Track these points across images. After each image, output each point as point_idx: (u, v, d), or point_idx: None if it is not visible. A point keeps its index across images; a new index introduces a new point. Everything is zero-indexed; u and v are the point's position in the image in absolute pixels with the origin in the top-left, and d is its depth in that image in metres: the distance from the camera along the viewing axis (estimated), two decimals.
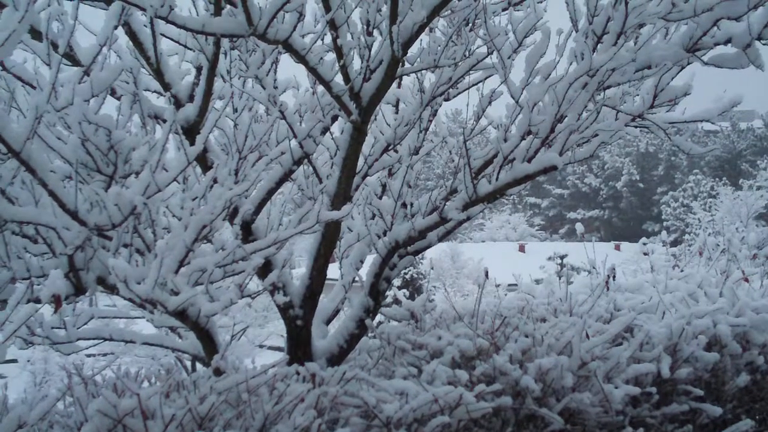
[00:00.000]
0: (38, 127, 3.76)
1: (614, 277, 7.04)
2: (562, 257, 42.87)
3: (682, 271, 8.49)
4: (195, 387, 4.20)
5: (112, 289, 4.40)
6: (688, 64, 5.51)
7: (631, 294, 7.27)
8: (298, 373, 4.60)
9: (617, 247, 53.50)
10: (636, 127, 5.83)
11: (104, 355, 19.12)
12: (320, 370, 4.56)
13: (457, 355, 5.39)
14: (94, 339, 5.23)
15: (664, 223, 75.14)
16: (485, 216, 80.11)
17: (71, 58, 5.13)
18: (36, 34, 4.88)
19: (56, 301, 3.70)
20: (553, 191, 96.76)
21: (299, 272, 6.24)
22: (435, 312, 6.39)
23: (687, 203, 68.43)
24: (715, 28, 5.13)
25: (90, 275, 4.31)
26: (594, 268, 7.92)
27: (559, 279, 7.42)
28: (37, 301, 3.87)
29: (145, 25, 5.46)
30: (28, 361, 26.92)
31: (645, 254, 10.14)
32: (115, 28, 4.23)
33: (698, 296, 7.20)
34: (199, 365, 6.08)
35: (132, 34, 5.46)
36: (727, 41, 5.13)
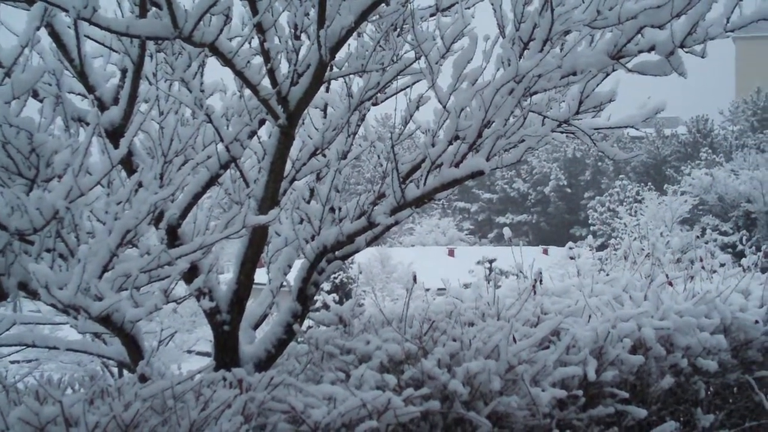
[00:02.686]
0: None
1: (541, 281, 7.11)
2: (490, 261, 43.24)
3: (607, 275, 8.59)
4: (120, 394, 4.15)
5: (34, 295, 4.32)
6: (614, 70, 5.59)
7: (557, 298, 7.33)
8: (224, 379, 4.56)
9: (545, 252, 54.00)
10: (562, 132, 5.90)
11: (28, 361, 18.80)
12: (247, 375, 4.54)
13: (386, 360, 5.40)
14: (17, 345, 5.14)
15: (591, 228, 75.99)
16: (415, 220, 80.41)
17: None
18: None
19: None
20: (482, 196, 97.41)
21: (227, 277, 6.19)
22: (364, 316, 6.39)
23: (613, 208, 69.24)
24: (639, 35, 5.21)
25: (11, 280, 4.24)
26: (521, 272, 7.98)
27: (488, 283, 7.46)
28: None
29: (68, 27, 5.37)
30: None
31: (572, 258, 10.26)
32: (38, 29, 4.15)
33: (623, 300, 7.30)
34: (125, 371, 6.01)
35: (55, 36, 5.37)
36: (651, 49, 5.22)
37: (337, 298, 33.14)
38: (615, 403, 6.02)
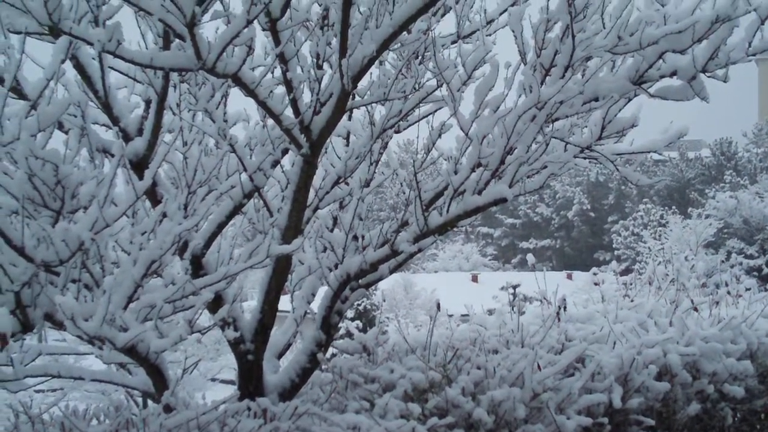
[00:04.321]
0: None
1: (565, 307, 7.09)
2: (514, 287, 43.04)
3: (632, 300, 8.56)
4: (145, 425, 4.15)
5: (59, 326, 4.34)
6: (635, 96, 5.58)
7: (582, 324, 7.30)
8: (249, 409, 4.56)
9: (569, 276, 53.83)
10: (585, 158, 5.89)
11: (53, 390, 18.82)
12: (272, 405, 4.54)
13: (410, 388, 5.39)
14: (42, 376, 5.15)
15: (615, 252, 75.72)
16: (438, 246, 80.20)
17: (18, 92, 5.08)
18: None
19: (2, 339, 3.65)
20: (505, 221, 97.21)
21: (250, 305, 6.19)
22: (387, 344, 6.38)
23: (637, 232, 69.00)
24: (661, 61, 5.21)
25: (37, 312, 4.26)
26: (545, 298, 7.95)
27: (512, 309, 7.44)
28: None
29: (93, 59, 5.41)
30: None
31: (596, 284, 10.21)
32: (63, 62, 4.18)
33: (648, 326, 7.26)
34: (150, 401, 6.01)
35: (80, 68, 5.41)
36: (673, 74, 5.22)
37: (360, 325, 33.07)
38: (641, 430, 5.98)
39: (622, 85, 5.35)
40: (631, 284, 10.54)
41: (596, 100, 5.45)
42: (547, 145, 5.51)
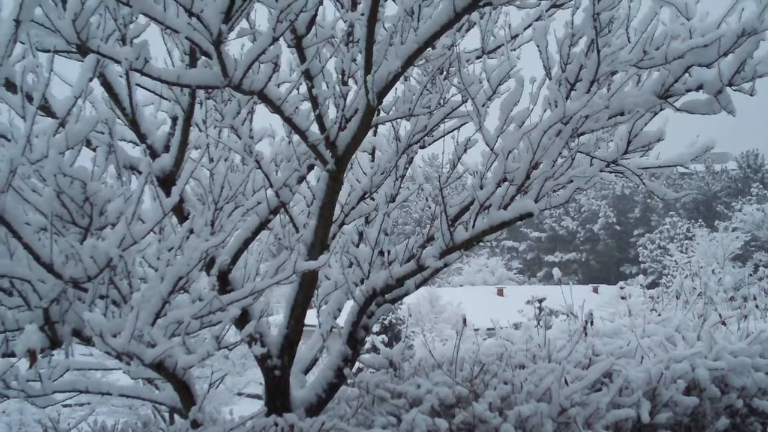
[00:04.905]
0: (13, 180, 3.75)
1: (592, 321, 7.06)
2: (540, 301, 42.87)
3: (659, 314, 8.51)
4: None
5: (87, 341, 4.36)
6: (661, 110, 5.56)
7: (609, 339, 7.27)
8: (276, 425, 4.57)
9: (595, 290, 53.56)
10: (611, 172, 5.87)
11: (81, 405, 18.87)
12: (299, 420, 4.54)
13: (437, 404, 5.38)
14: (71, 392, 5.18)
15: (641, 266, 75.41)
16: (463, 260, 79.98)
17: (46, 110, 5.12)
18: (10, 86, 4.86)
19: (31, 356, 3.67)
20: (530, 234, 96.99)
21: (276, 319, 6.21)
22: (414, 359, 6.38)
23: (663, 245, 68.69)
24: (687, 74, 5.19)
25: (66, 328, 4.28)
26: (572, 313, 7.93)
27: (538, 323, 7.42)
28: (12, 355, 3.83)
29: (120, 76, 5.45)
30: (3, 412, 26.54)
31: (623, 298, 10.17)
32: (90, 80, 4.22)
33: (676, 340, 7.22)
34: (177, 416, 6.03)
35: (107, 86, 5.45)
36: (699, 87, 5.20)
37: (386, 339, 33.04)
38: None
39: (647, 100, 5.34)
40: (658, 298, 10.49)
41: (622, 114, 5.43)
42: (573, 159, 5.50)
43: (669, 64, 5.15)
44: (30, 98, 4.49)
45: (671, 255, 53.61)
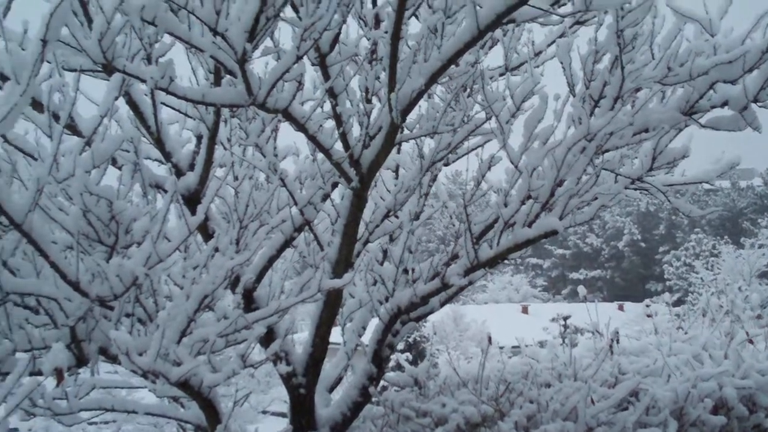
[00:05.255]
0: (40, 199, 3.77)
1: (618, 339, 7.02)
2: (565, 318, 42.72)
3: (686, 332, 8.46)
4: None
5: (114, 360, 4.38)
6: (686, 126, 5.54)
7: (635, 357, 7.23)
8: None
9: (620, 308, 53.24)
10: (635, 189, 5.85)
11: (106, 423, 18.88)
12: None
13: (462, 422, 5.36)
14: (96, 410, 5.19)
15: (667, 283, 74.95)
16: (487, 278, 79.83)
17: (72, 128, 5.15)
18: (37, 105, 4.90)
19: (59, 374, 3.68)
20: (554, 252, 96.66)
21: (301, 337, 6.21)
22: (439, 378, 6.36)
23: (689, 262, 68.20)
24: (712, 91, 5.17)
25: (92, 346, 4.30)
26: (597, 330, 7.89)
27: (563, 341, 7.39)
28: (39, 373, 3.85)
29: (145, 95, 5.48)
30: (29, 430, 26.59)
31: (648, 316, 10.12)
32: (116, 99, 4.24)
33: (703, 358, 7.17)
34: None
35: (133, 104, 5.48)
36: (724, 104, 5.17)
37: (410, 357, 32.97)
38: None
39: (672, 116, 5.32)
40: (684, 316, 10.43)
41: (646, 131, 5.41)
42: (598, 176, 5.48)
43: (693, 80, 5.13)
44: (56, 117, 4.53)
45: (697, 272, 53.20)
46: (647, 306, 10.59)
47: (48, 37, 3.35)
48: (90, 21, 4.58)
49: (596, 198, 5.69)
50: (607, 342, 6.95)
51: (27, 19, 4.63)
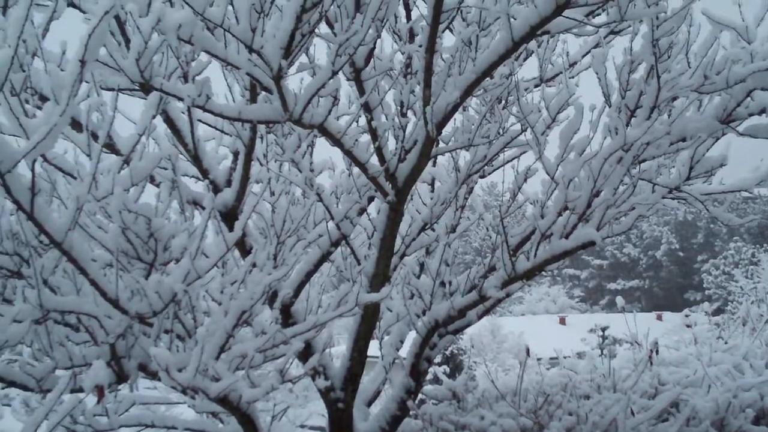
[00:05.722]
0: (79, 217, 3.80)
1: (657, 350, 6.97)
2: (603, 329, 42.43)
3: (726, 342, 8.38)
4: None
5: (153, 376, 4.40)
6: (723, 134, 5.50)
7: (675, 368, 7.17)
8: None
9: (659, 318, 52.80)
10: (673, 199, 5.81)
11: None
12: None
13: None
14: (136, 426, 5.22)
15: (706, 292, 74.27)
16: (524, 289, 79.42)
17: (111, 147, 5.19)
18: (76, 125, 4.94)
19: (99, 391, 3.71)
20: (592, 262, 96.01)
21: (338, 350, 6.22)
22: (477, 391, 6.34)
23: (728, 271, 67.62)
24: (749, 98, 5.14)
25: (132, 363, 4.32)
26: (636, 342, 7.83)
27: (602, 352, 7.34)
28: (80, 390, 3.87)
29: (182, 112, 5.51)
30: None
31: (688, 326, 10.04)
32: (153, 117, 4.27)
33: (744, 368, 7.10)
34: None
35: (170, 122, 5.52)
36: (762, 111, 5.14)
37: (447, 369, 32.88)
38: None
39: (709, 125, 5.29)
40: (723, 325, 10.33)
41: (683, 140, 5.39)
42: (635, 187, 5.46)
43: (730, 88, 5.10)
44: (95, 136, 4.58)
45: (736, 281, 52.69)
46: (686, 316, 10.52)
47: (86, 58, 3.38)
48: (127, 41, 4.62)
49: (633, 208, 5.66)
50: (646, 353, 6.90)
51: (65, 39, 4.69)
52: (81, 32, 3.45)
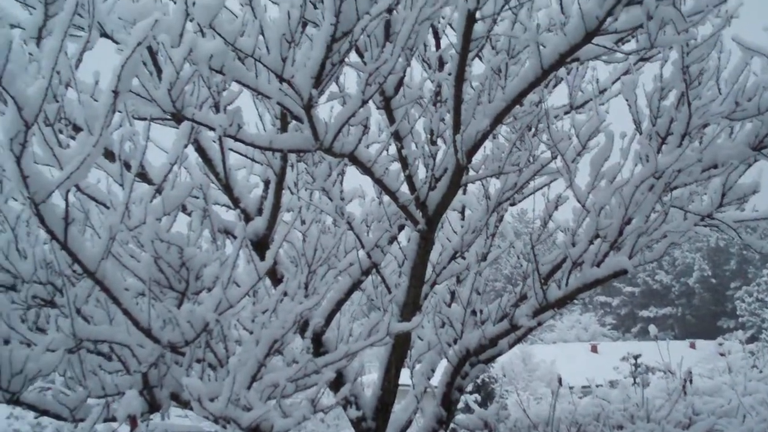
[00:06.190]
0: (112, 247, 3.82)
1: (691, 379, 6.91)
2: (636, 357, 42.09)
3: (761, 371, 8.29)
4: None
5: (185, 405, 4.40)
6: (755, 161, 5.46)
7: (709, 397, 7.10)
8: None
9: (692, 345, 52.28)
10: (705, 226, 5.77)
11: None
12: None
13: None
14: None
15: (740, 320, 73.58)
16: (555, 317, 78.92)
17: (143, 176, 5.21)
18: (109, 154, 4.97)
19: (132, 421, 3.71)
20: (623, 289, 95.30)
21: (369, 378, 6.20)
22: (509, 420, 6.30)
23: (762, 298, 67.04)
24: None
25: (164, 392, 4.33)
26: (670, 370, 7.77)
27: (634, 381, 7.29)
28: (113, 419, 3.88)
29: (213, 141, 5.54)
30: None
31: (722, 354, 9.96)
32: (185, 146, 4.29)
33: None
34: None
35: (201, 151, 5.55)
36: None
37: (479, 398, 32.69)
38: None
39: (741, 152, 5.26)
40: (758, 353, 10.23)
41: (715, 167, 5.36)
42: (666, 214, 5.42)
43: (762, 115, 5.07)
44: (128, 166, 4.59)
45: None
46: (720, 344, 10.41)
47: (119, 88, 3.41)
48: (159, 71, 4.66)
49: (665, 236, 5.62)
50: (680, 382, 6.83)
51: (98, 69, 4.73)
52: (113, 62, 3.48)
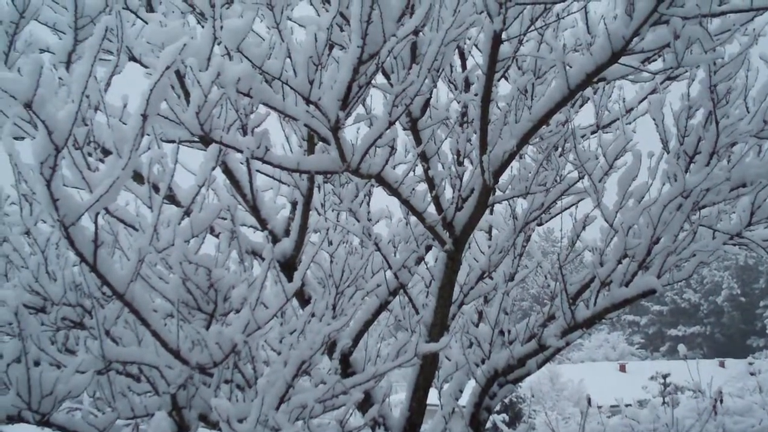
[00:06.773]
0: (141, 269, 3.84)
1: (722, 399, 6.85)
2: (665, 377, 41.79)
3: None
4: None
5: (214, 426, 4.41)
6: None
7: (740, 417, 7.05)
8: None
9: (722, 364, 51.89)
10: (734, 245, 5.74)
11: None
12: None
13: None
14: None
15: None
16: (583, 336, 78.52)
17: (171, 198, 5.24)
18: (138, 177, 5.00)
19: None
20: (651, 308, 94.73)
21: (397, 398, 6.18)
22: None
23: None
24: None
25: (192, 413, 4.34)
26: (699, 390, 7.71)
27: (664, 401, 7.24)
28: None
29: (241, 163, 5.57)
30: None
31: (752, 374, 9.87)
32: (213, 168, 4.31)
33: None
34: None
35: (228, 173, 5.57)
36: None
37: (506, 418, 32.54)
38: None
39: None
40: None
41: (744, 185, 5.33)
42: (695, 233, 5.40)
43: None
44: (156, 188, 4.62)
45: None
46: (750, 363, 10.30)
47: (148, 112, 3.44)
48: (187, 94, 4.69)
49: (694, 255, 5.60)
50: (710, 401, 6.78)
51: (126, 93, 4.77)
52: (142, 86, 3.51)
